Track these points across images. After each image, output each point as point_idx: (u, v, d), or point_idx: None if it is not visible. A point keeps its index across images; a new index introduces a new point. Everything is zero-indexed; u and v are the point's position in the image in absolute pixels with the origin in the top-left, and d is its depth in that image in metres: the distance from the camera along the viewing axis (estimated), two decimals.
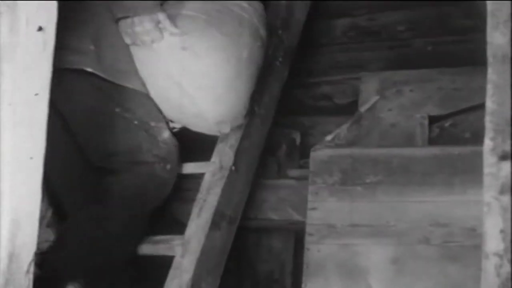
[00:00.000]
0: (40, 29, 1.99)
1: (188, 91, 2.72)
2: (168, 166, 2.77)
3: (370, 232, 2.69)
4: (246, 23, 2.80)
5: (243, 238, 3.18)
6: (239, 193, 2.94)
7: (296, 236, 3.28)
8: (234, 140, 2.92)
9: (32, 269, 1.95)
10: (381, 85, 3.19)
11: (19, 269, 1.93)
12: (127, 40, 2.71)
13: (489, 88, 1.69)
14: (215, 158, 2.91)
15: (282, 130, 3.36)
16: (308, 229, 2.77)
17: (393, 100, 3.15)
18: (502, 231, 1.64)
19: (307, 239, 2.77)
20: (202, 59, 2.70)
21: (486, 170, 1.67)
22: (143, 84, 2.76)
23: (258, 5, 2.91)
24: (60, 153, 2.66)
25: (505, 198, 1.65)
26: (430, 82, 3.13)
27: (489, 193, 1.66)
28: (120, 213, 2.72)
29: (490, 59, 1.70)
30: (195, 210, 2.81)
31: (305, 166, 3.11)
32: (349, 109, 3.31)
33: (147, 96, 2.77)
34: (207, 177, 2.88)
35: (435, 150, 2.75)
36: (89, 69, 2.68)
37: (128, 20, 2.66)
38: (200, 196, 2.84)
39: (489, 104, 1.69)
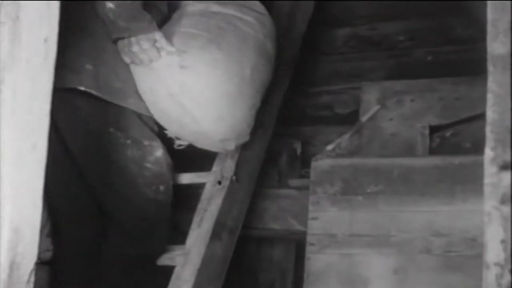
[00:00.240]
0: (43, 39, 2.00)
1: (189, 110, 2.68)
2: (162, 187, 2.76)
3: (371, 242, 2.68)
4: (251, 40, 2.77)
5: (244, 248, 3.18)
6: (240, 203, 2.94)
7: (297, 246, 3.27)
8: (235, 150, 2.92)
9: (33, 278, 1.94)
10: (382, 94, 3.19)
11: (20, 278, 1.93)
12: (126, 59, 2.68)
13: (490, 98, 1.69)
14: (216, 168, 2.91)
15: (283, 140, 3.36)
16: (309, 238, 2.77)
17: (394, 110, 3.15)
18: (503, 241, 1.63)
19: (308, 248, 2.77)
20: (201, 77, 2.66)
21: (487, 180, 1.67)
22: (139, 102, 2.73)
23: (267, 21, 2.87)
24: (59, 171, 2.63)
25: (506, 208, 1.64)
26: (430, 92, 3.12)
27: (489, 203, 1.66)
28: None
29: (490, 68, 1.70)
30: (195, 220, 2.81)
31: (306, 175, 3.11)
32: (350, 118, 3.31)
33: (140, 115, 2.74)
34: (208, 187, 2.88)
35: (436, 160, 2.75)
36: (82, 88, 2.66)
37: (125, 40, 2.64)
38: (201, 206, 2.84)
39: (490, 113, 1.68)
